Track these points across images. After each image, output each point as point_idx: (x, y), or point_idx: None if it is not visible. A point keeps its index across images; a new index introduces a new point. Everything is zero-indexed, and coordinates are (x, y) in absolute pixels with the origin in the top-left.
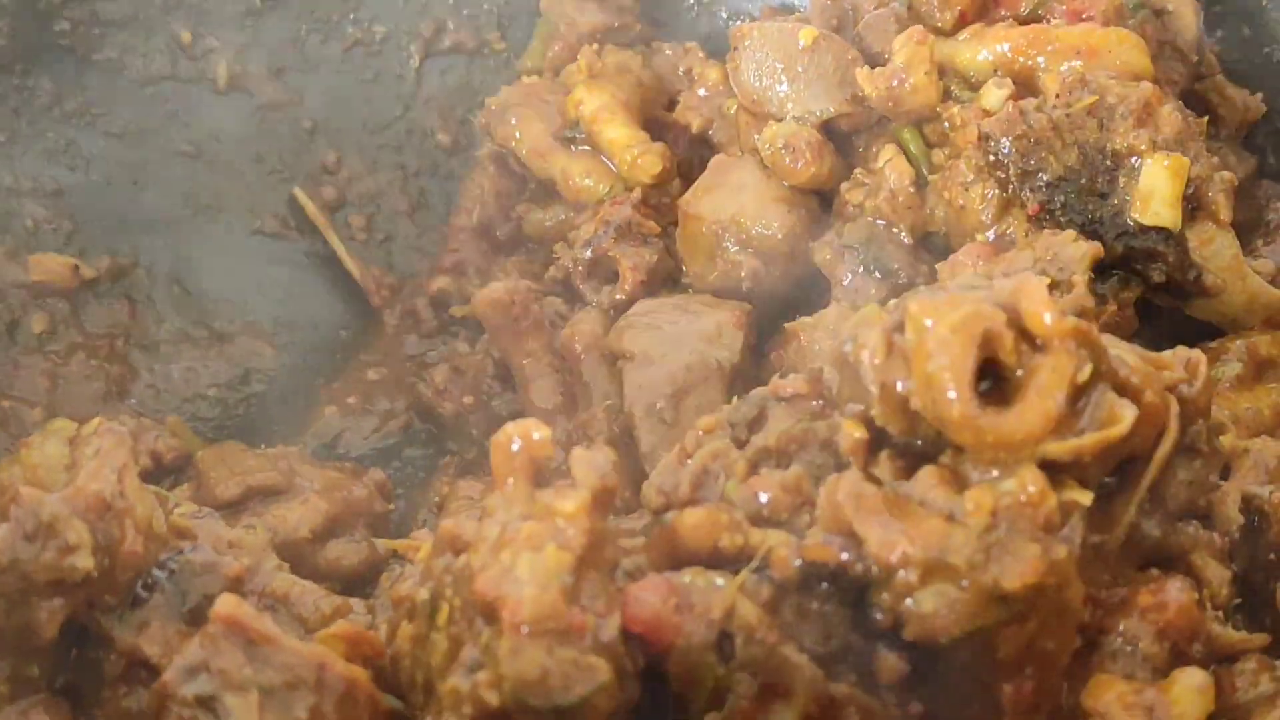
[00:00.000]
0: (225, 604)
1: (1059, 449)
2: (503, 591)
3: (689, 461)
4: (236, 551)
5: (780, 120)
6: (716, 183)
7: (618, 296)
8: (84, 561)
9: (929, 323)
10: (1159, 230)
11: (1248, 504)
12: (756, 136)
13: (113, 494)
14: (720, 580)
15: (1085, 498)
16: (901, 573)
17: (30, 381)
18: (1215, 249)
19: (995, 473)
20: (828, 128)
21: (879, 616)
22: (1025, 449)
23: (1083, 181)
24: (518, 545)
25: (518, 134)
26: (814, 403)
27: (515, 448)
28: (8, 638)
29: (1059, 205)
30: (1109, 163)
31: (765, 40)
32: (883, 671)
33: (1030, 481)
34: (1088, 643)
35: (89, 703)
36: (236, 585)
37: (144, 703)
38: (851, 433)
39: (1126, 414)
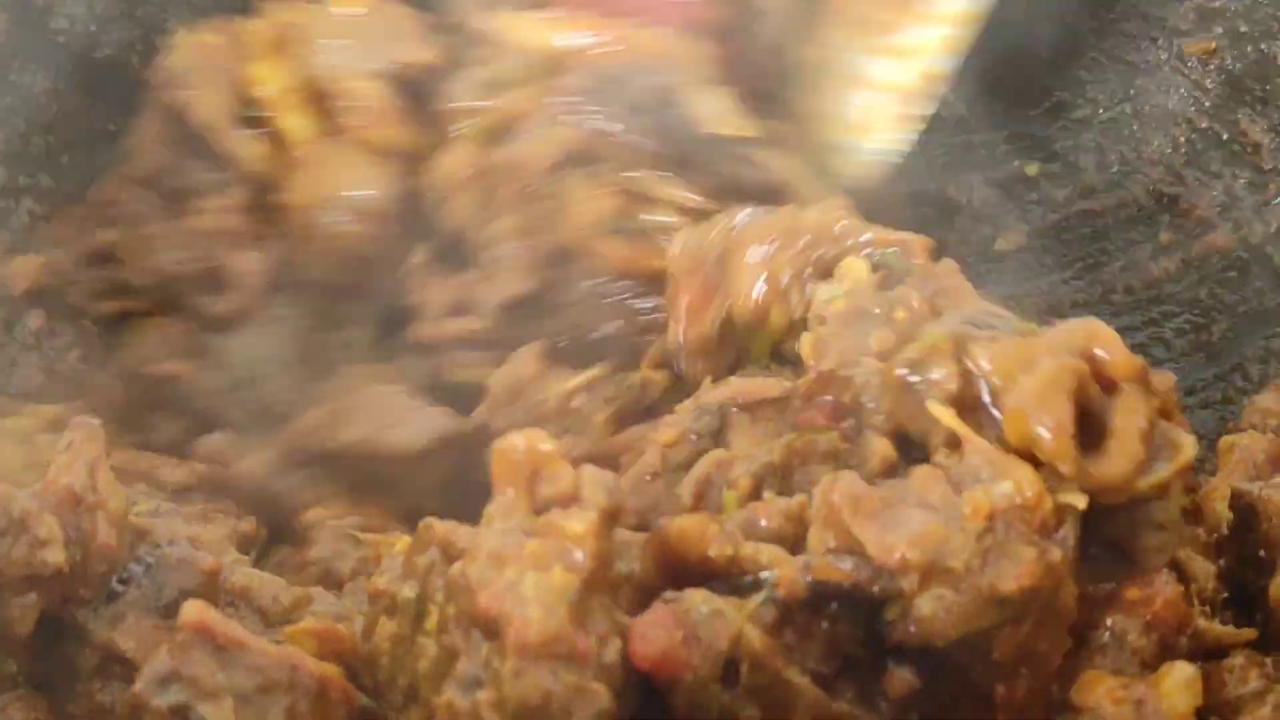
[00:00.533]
0: (192, 610)
1: (1147, 484)
2: (507, 609)
3: (691, 472)
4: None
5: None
6: (310, 171)
7: (235, 303)
8: (55, 556)
9: (1021, 378)
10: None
11: (1236, 500)
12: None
13: (84, 488)
14: (726, 608)
15: (1080, 501)
16: (902, 576)
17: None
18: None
19: (989, 474)
20: (408, 85)
21: (892, 632)
22: (1123, 492)
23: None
24: (523, 563)
25: (193, 101)
26: (787, 409)
27: (518, 457)
28: None
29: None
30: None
31: (319, 17)
32: (892, 687)
33: (1027, 484)
34: (1077, 638)
35: (63, 698)
36: (212, 579)
37: (118, 698)
38: (881, 451)
39: (1186, 440)
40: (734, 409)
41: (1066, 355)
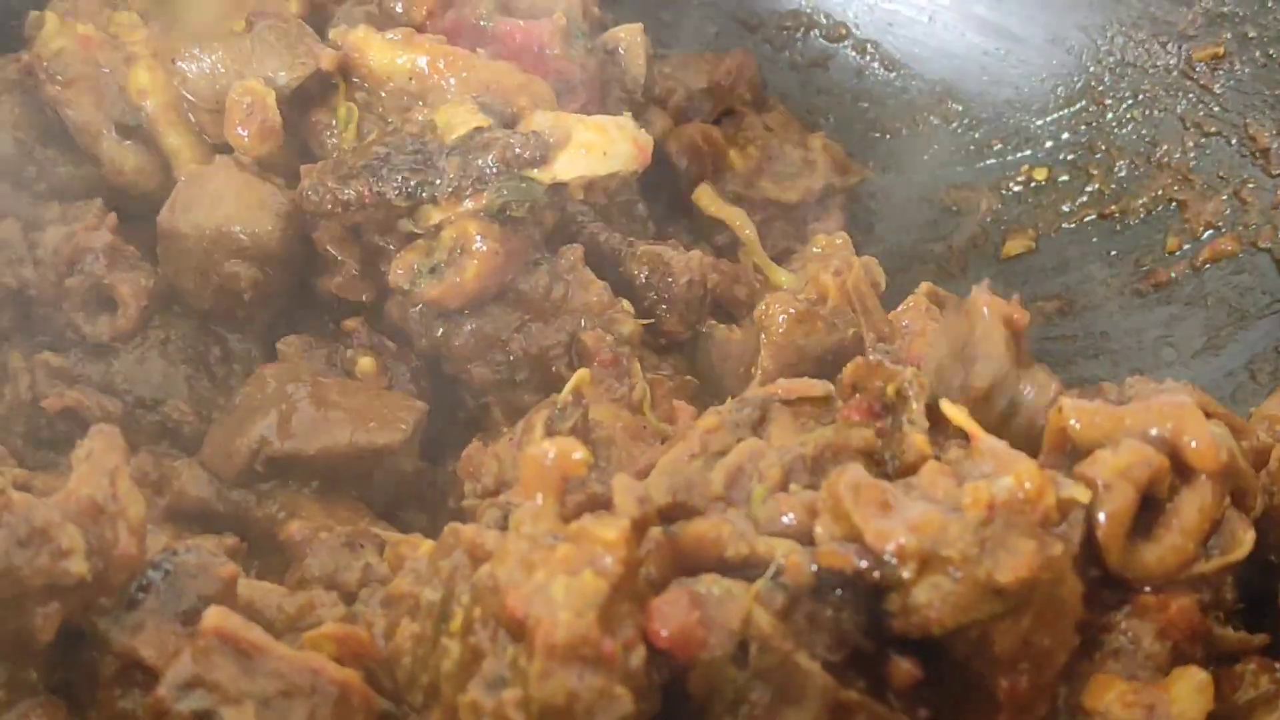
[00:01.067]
0: (214, 616)
1: (1191, 574)
2: (535, 612)
3: (724, 459)
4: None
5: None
6: (195, 195)
7: (120, 325)
8: (78, 566)
9: (1099, 452)
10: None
11: None
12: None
13: (105, 497)
14: (736, 589)
15: (1084, 495)
16: (899, 564)
17: None
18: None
19: (993, 469)
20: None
21: (893, 622)
22: (1164, 579)
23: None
24: (553, 566)
25: (68, 101)
26: (828, 407)
27: (548, 462)
28: (4, 643)
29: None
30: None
31: (198, 40)
32: (896, 677)
33: (1028, 478)
34: (1089, 642)
35: (84, 704)
36: (230, 586)
37: (139, 704)
38: (918, 447)
39: (1246, 538)
40: (776, 402)
41: (1149, 445)
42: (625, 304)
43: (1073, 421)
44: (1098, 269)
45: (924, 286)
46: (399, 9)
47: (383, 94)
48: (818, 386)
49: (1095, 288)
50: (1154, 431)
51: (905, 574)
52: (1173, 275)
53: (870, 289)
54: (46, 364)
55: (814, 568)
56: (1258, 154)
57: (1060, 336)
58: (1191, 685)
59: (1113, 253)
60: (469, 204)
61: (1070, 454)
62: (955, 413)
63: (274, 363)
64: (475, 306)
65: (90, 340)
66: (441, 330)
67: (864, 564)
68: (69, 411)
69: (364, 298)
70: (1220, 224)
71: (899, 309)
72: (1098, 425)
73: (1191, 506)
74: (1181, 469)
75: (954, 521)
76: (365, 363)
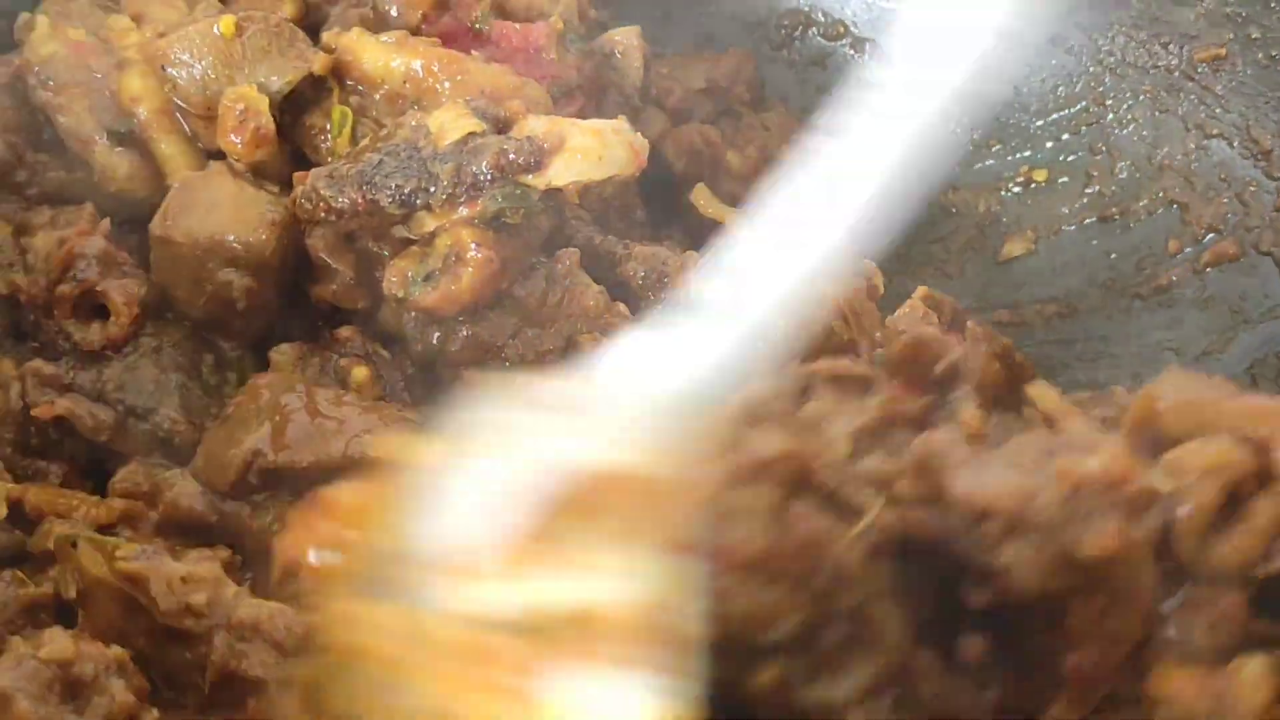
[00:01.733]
0: None
1: (1260, 573)
2: None
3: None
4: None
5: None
6: (188, 203)
7: (112, 332)
8: None
9: (1189, 443)
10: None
11: None
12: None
13: None
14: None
15: (1169, 486)
16: (985, 524)
17: None
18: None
19: (1082, 448)
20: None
21: (973, 589)
22: (1223, 575)
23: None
24: None
25: (59, 107)
26: (871, 386)
27: None
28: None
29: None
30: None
31: (188, 45)
32: (966, 648)
33: (1116, 460)
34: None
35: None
36: None
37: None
38: (970, 422)
39: None
40: (819, 380)
41: (1240, 444)
42: (622, 307)
43: (1163, 408)
44: (1098, 272)
45: (920, 291)
46: (394, 12)
47: (377, 97)
48: (862, 365)
49: (1095, 291)
50: (1247, 432)
51: (988, 535)
52: (1174, 278)
53: (865, 299)
54: (37, 372)
55: (899, 524)
56: (1260, 156)
57: (1060, 340)
58: (1257, 671)
59: (1113, 255)
60: (463, 210)
61: (1156, 441)
62: (1043, 395)
63: (267, 373)
64: (470, 313)
65: (82, 348)
66: (437, 336)
67: (948, 524)
68: (60, 420)
69: (359, 305)
70: (1222, 227)
71: (895, 315)
72: (1190, 415)
73: (1266, 514)
74: (1263, 473)
75: (1042, 490)
76: (359, 372)
